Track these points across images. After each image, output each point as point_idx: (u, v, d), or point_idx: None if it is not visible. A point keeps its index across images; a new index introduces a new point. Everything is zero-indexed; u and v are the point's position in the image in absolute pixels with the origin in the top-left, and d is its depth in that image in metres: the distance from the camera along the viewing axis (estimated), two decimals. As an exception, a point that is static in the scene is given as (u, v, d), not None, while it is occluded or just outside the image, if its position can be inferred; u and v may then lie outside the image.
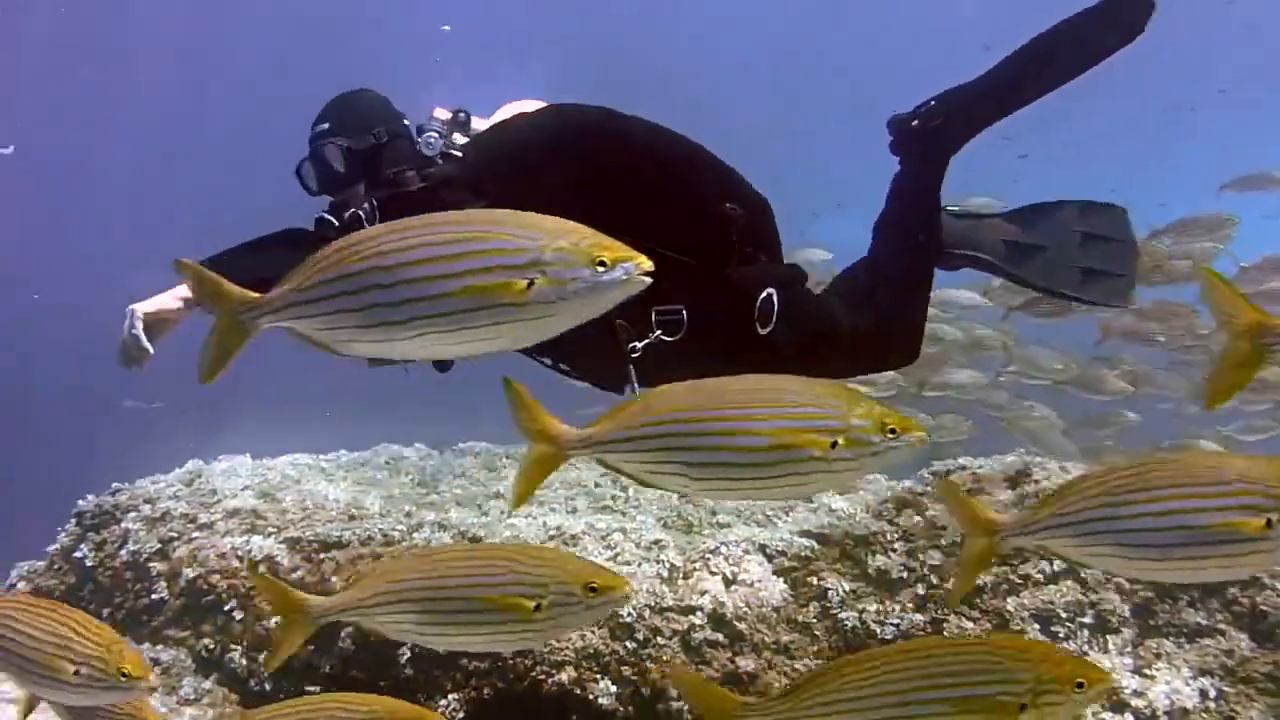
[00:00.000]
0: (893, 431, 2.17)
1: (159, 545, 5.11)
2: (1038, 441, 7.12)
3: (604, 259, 2.00)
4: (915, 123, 3.95)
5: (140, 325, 3.23)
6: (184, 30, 23.96)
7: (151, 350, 3.27)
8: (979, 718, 2.20)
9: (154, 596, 4.94)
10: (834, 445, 2.15)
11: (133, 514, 5.31)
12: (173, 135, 25.53)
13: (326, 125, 3.49)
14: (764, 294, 3.58)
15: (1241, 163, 8.45)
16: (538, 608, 2.40)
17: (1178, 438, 7.56)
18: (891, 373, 7.36)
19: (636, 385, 3.58)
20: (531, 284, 1.97)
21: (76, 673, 2.51)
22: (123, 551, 5.17)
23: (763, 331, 3.60)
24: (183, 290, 3.34)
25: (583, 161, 3.44)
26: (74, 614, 2.62)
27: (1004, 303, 7.24)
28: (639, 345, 3.52)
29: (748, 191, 3.72)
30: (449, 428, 7.99)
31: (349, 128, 3.47)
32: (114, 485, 5.76)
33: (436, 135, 3.49)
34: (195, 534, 5.13)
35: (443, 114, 3.65)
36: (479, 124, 3.71)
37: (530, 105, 3.79)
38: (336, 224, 3.35)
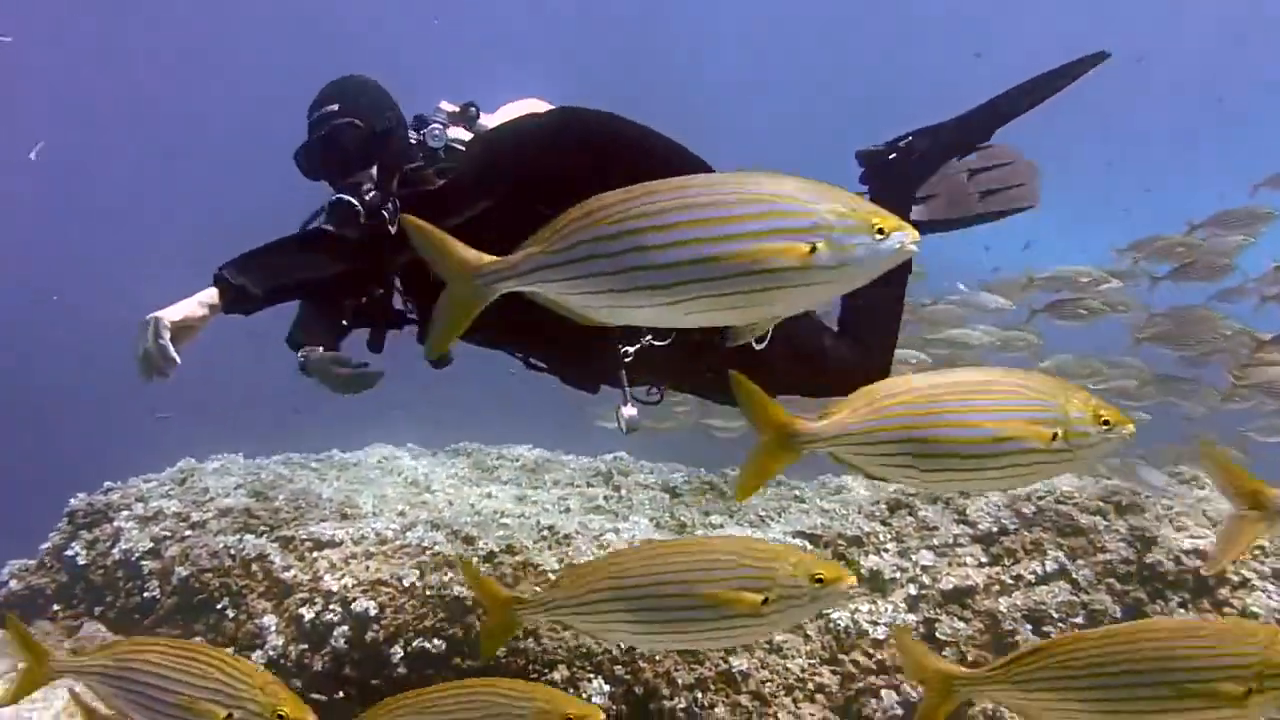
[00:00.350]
0: (1106, 424, 2.20)
1: (151, 544, 5.10)
2: None
3: (882, 226, 1.93)
4: (892, 156, 4.01)
5: (168, 334, 3.05)
6: (182, 30, 24.00)
7: (179, 360, 3.16)
8: (1203, 702, 2.20)
9: (146, 595, 4.92)
10: (1054, 437, 2.18)
11: (125, 513, 5.30)
12: (171, 135, 25.57)
13: (335, 106, 3.44)
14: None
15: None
16: (765, 601, 2.39)
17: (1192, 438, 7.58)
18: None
19: (629, 389, 3.59)
20: (814, 249, 1.89)
21: (229, 717, 2.44)
22: (115, 550, 5.16)
23: (758, 347, 3.65)
24: (205, 295, 3.20)
25: (584, 166, 3.41)
26: (219, 654, 2.55)
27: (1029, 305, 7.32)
28: (631, 350, 3.53)
29: None
30: (441, 428, 7.98)
31: (361, 109, 3.44)
32: (105, 484, 5.74)
33: (441, 127, 3.49)
34: (188, 533, 5.13)
35: (449, 107, 3.64)
36: (485, 120, 3.72)
37: (533, 105, 3.79)
38: (359, 206, 3.31)
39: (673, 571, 2.47)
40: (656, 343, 3.57)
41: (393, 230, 3.29)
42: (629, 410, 3.56)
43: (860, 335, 3.97)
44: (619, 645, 4.56)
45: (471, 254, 2.07)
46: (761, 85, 28.20)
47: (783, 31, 28.17)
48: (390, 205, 3.34)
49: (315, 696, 4.47)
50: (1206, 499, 5.24)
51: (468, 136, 3.62)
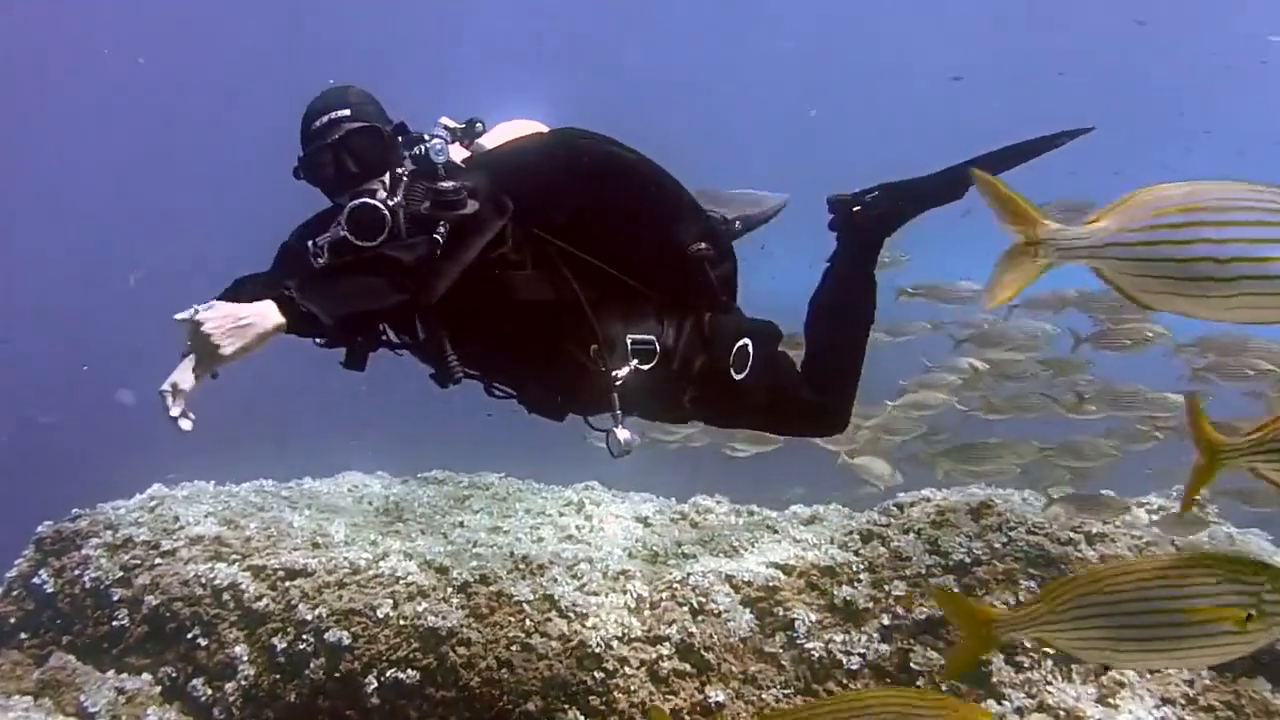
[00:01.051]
0: None
1: (121, 572, 5.05)
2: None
3: None
4: (858, 209, 4.05)
5: (178, 409, 3.03)
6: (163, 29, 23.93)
7: (189, 426, 3.08)
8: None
9: (115, 624, 4.87)
10: (1248, 619, 2.31)
11: (94, 540, 5.24)
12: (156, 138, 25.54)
13: (346, 111, 3.36)
14: (741, 343, 3.71)
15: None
16: (1249, 617, 2.37)
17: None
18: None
19: (620, 413, 3.61)
20: None
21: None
22: (84, 578, 5.10)
23: (737, 377, 3.70)
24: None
25: (581, 189, 3.49)
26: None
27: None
28: (620, 375, 3.53)
29: (722, 240, 3.80)
30: (411, 455, 7.95)
31: (370, 116, 3.38)
32: (74, 511, 5.68)
33: (443, 142, 3.47)
34: (158, 561, 5.08)
35: (450, 123, 3.62)
36: (483, 140, 3.73)
37: (529, 125, 3.79)
38: (384, 210, 3.24)
39: (1157, 588, 2.49)
40: (642, 368, 3.59)
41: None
42: (624, 433, 3.58)
43: (823, 384, 4.01)
44: (594, 675, 4.56)
45: (1043, 222, 2.15)
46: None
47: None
48: (441, 228, 3.28)
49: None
50: (1175, 530, 5.30)
51: (463, 154, 3.62)
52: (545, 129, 3.76)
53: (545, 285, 3.48)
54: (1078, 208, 6.08)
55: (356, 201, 3.24)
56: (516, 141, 3.65)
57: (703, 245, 3.63)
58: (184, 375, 2.88)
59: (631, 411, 3.78)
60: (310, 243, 3.33)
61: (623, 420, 3.59)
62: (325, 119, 3.34)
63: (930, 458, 7.04)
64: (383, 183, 3.32)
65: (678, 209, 3.64)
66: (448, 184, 3.29)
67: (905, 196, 4.04)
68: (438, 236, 3.20)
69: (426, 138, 3.44)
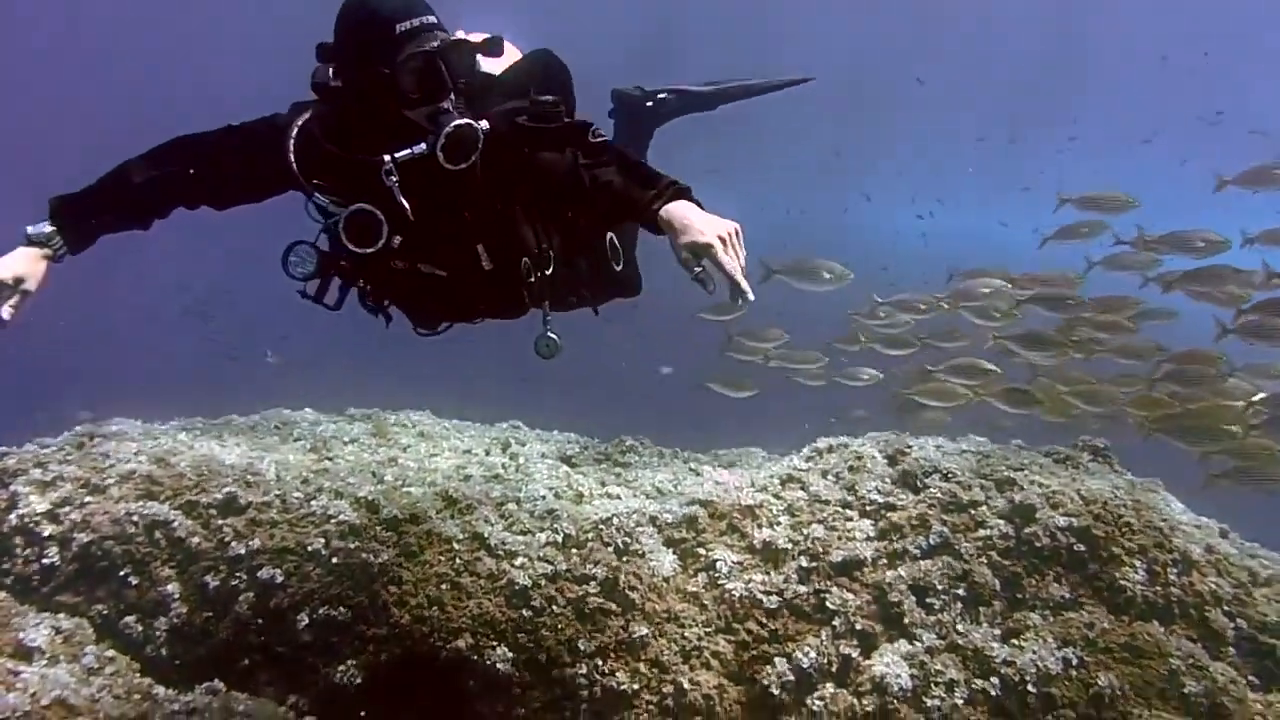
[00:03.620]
0: None
1: (50, 509, 5.04)
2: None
3: None
4: (649, 104, 4.82)
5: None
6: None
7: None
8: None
9: (45, 562, 4.87)
10: None
11: (22, 478, 5.20)
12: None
13: (434, 19, 3.40)
14: (609, 237, 4.20)
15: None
16: None
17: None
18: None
19: (547, 315, 3.89)
20: None
21: None
22: (11, 516, 5.07)
23: (617, 269, 4.20)
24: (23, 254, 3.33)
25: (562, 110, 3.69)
26: None
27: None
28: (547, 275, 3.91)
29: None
30: (334, 397, 7.96)
31: (444, 27, 3.43)
32: (0, 449, 5.64)
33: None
34: (88, 499, 5.07)
35: (470, 37, 3.65)
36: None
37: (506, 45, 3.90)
38: (480, 134, 3.41)
39: None
40: (560, 270, 3.85)
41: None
42: (552, 334, 3.89)
43: (630, 257, 4.46)
44: (522, 613, 4.69)
45: None
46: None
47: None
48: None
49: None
50: (1081, 478, 5.52)
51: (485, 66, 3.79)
52: (513, 48, 3.89)
53: None
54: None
55: (460, 123, 3.34)
56: (543, 58, 3.87)
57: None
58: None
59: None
60: (388, 157, 3.38)
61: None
62: (417, 22, 3.36)
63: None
64: (453, 100, 3.44)
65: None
66: (546, 98, 3.48)
67: (683, 102, 5.15)
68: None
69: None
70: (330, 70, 3.44)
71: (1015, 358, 8.22)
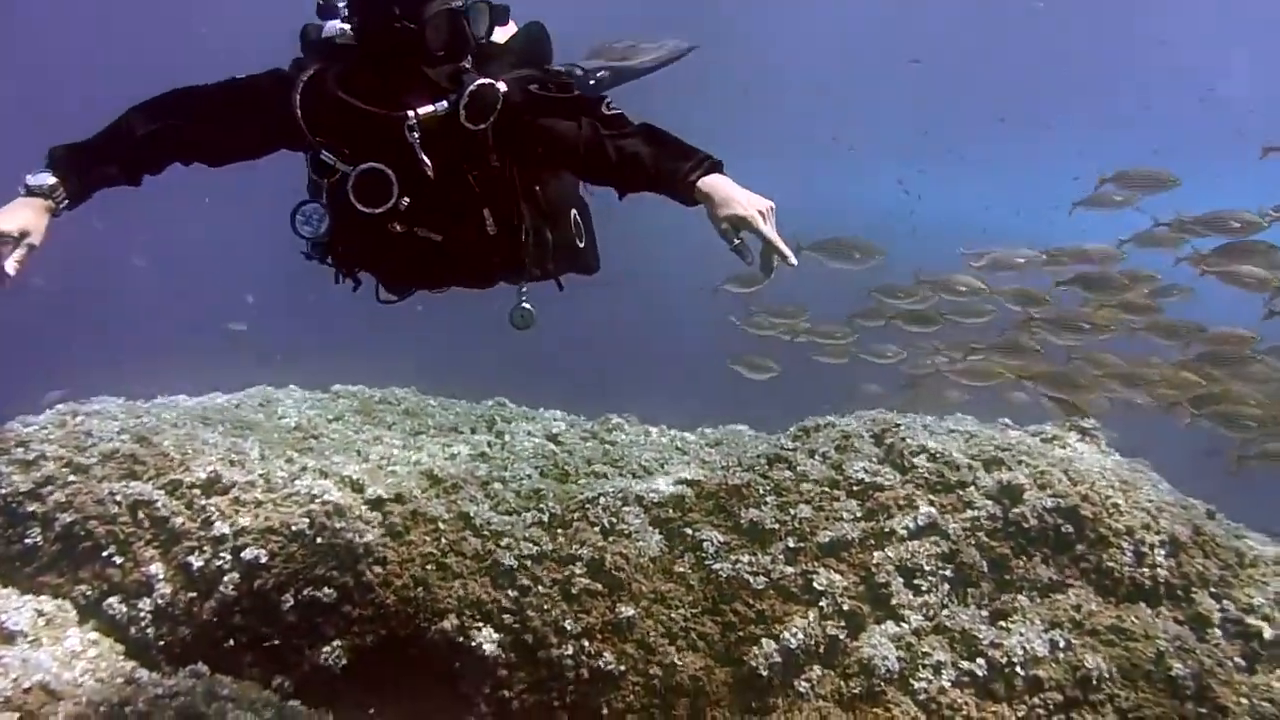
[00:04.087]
0: None
1: (33, 488, 5.00)
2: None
3: None
4: (592, 83, 4.95)
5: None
6: None
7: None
8: None
9: (28, 542, 4.83)
10: None
11: (4, 457, 5.16)
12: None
13: None
14: (571, 213, 4.15)
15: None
16: None
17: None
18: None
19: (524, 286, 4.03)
20: None
21: None
22: (-7, 495, 5.02)
23: (580, 244, 4.16)
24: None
25: None
26: None
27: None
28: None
29: None
30: (318, 374, 7.91)
31: None
32: (-21, 426, 5.58)
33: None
34: (71, 478, 5.03)
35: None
36: None
37: None
38: (499, 94, 3.41)
39: None
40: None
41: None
42: (527, 304, 3.91)
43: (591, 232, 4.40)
44: (508, 593, 4.67)
45: None
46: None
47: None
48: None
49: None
50: (1069, 459, 5.51)
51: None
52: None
53: None
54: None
55: (483, 82, 3.35)
56: (535, 32, 4.00)
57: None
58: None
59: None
60: (412, 113, 3.35)
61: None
62: None
63: None
64: (468, 63, 3.47)
65: None
66: (558, 69, 3.53)
67: (619, 74, 5.17)
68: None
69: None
70: (341, 25, 3.42)
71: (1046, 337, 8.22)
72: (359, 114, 3.41)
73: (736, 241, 3.09)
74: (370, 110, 3.40)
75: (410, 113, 3.35)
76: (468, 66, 3.42)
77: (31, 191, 3.25)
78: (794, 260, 3.11)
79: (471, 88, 3.32)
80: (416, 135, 3.36)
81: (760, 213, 3.09)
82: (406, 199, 3.49)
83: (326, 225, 3.59)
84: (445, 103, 3.35)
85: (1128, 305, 8.02)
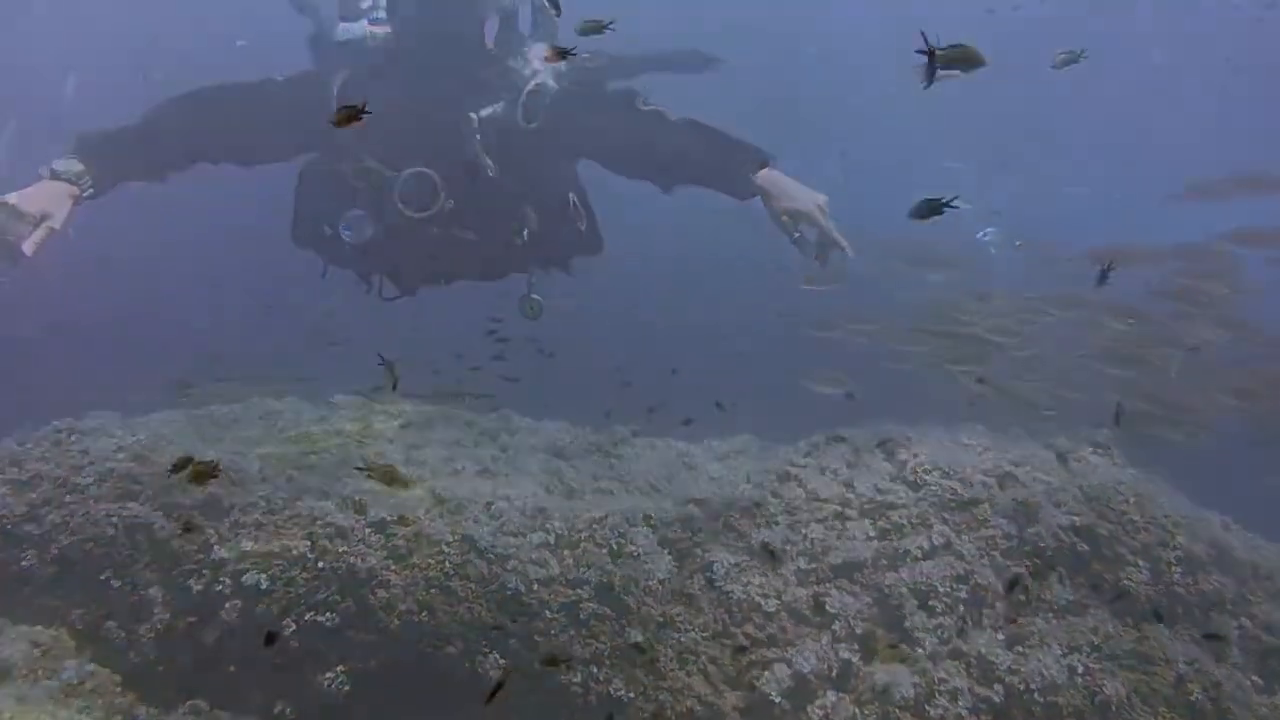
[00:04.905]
0: None
1: (28, 510, 4.90)
2: None
3: None
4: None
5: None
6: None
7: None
8: None
9: (23, 565, 4.74)
10: None
11: (-1, 478, 5.07)
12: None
13: None
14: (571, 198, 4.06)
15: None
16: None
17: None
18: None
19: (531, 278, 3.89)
20: None
21: None
22: (-13, 517, 4.93)
23: (581, 228, 4.12)
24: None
25: None
26: None
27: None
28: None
29: None
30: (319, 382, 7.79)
31: None
32: (-24, 447, 5.47)
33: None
34: (67, 498, 4.93)
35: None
36: None
37: None
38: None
39: None
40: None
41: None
42: (535, 295, 3.92)
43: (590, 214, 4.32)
44: (512, 620, 4.57)
45: None
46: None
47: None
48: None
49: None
50: (1083, 473, 5.43)
51: None
52: None
53: None
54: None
55: (540, 80, 3.37)
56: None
57: None
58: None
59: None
60: (474, 114, 3.32)
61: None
62: None
63: None
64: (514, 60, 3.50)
65: None
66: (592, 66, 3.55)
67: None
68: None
69: None
70: (369, 28, 3.37)
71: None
72: (414, 116, 3.35)
73: (797, 234, 3.12)
74: (427, 113, 3.34)
75: (473, 115, 3.30)
76: (514, 65, 3.39)
77: (57, 176, 3.19)
78: (852, 253, 3.15)
79: (529, 87, 3.29)
80: (479, 137, 3.31)
81: (820, 206, 3.16)
82: (451, 201, 3.44)
83: (371, 231, 3.54)
84: (502, 103, 3.32)
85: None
